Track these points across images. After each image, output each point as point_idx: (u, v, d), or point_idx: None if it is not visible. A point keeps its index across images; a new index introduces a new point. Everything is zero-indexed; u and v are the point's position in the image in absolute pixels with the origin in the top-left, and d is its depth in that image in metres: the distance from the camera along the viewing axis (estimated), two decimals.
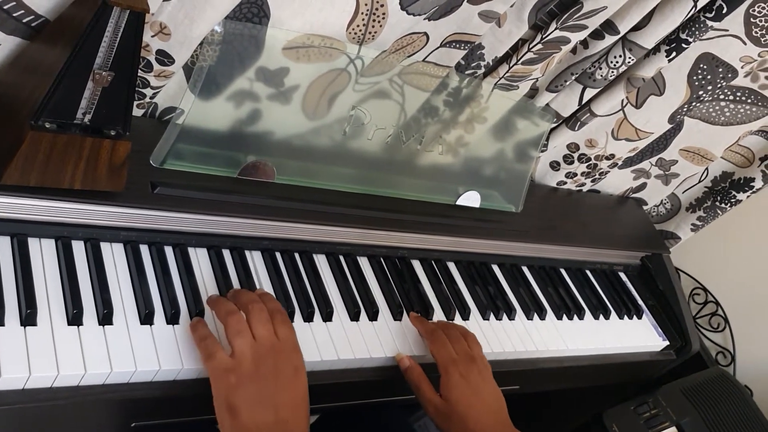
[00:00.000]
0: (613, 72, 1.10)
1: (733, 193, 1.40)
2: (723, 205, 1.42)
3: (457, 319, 1.02)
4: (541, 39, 0.99)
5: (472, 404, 0.84)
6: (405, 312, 0.97)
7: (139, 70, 0.81)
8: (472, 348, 0.91)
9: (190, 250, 0.86)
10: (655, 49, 1.09)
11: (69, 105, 0.69)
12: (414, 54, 0.97)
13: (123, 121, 0.72)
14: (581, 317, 1.18)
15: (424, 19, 0.91)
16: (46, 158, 0.70)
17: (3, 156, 0.70)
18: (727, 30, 1.10)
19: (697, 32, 1.06)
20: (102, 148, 0.72)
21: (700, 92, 1.18)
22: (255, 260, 0.91)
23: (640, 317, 1.27)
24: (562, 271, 1.25)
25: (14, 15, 0.71)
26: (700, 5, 1.00)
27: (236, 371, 0.72)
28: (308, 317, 0.88)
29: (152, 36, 0.79)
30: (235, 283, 0.86)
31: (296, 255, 0.95)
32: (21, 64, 0.75)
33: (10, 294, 0.70)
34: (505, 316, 1.07)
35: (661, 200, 1.51)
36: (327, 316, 0.90)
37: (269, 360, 0.73)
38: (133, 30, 0.66)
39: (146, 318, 0.76)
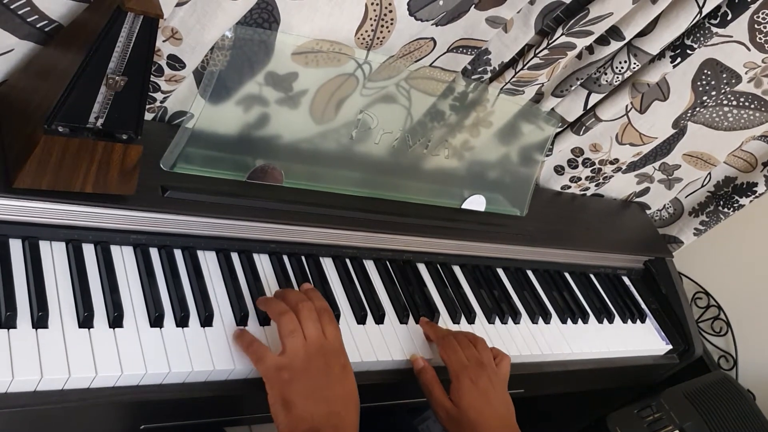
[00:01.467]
0: (618, 77, 1.11)
1: (736, 197, 1.41)
2: (726, 209, 1.42)
3: (463, 323, 1.03)
4: (548, 44, 1.00)
5: (482, 410, 0.85)
6: (411, 315, 0.98)
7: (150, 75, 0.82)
8: (482, 354, 0.91)
9: (200, 253, 0.87)
10: (660, 55, 1.10)
11: (82, 109, 0.69)
12: (421, 59, 0.97)
13: (135, 125, 0.73)
14: (585, 321, 1.18)
15: (432, 24, 0.91)
16: (58, 162, 0.71)
17: (16, 160, 0.71)
18: (732, 36, 1.11)
19: (701, 38, 1.06)
20: (114, 152, 0.73)
21: (704, 97, 1.19)
22: (263, 263, 0.91)
23: (643, 321, 1.28)
24: (567, 275, 1.25)
25: (28, 20, 0.72)
26: (705, 11, 1.01)
27: (289, 368, 0.74)
28: None
29: (164, 41, 0.80)
30: (244, 285, 0.87)
31: (303, 258, 0.95)
32: (34, 69, 0.76)
33: (22, 296, 0.71)
34: (510, 320, 1.08)
35: (664, 204, 1.52)
36: None
37: (319, 358, 0.76)
38: (146, 35, 0.67)
39: (156, 321, 0.77)
